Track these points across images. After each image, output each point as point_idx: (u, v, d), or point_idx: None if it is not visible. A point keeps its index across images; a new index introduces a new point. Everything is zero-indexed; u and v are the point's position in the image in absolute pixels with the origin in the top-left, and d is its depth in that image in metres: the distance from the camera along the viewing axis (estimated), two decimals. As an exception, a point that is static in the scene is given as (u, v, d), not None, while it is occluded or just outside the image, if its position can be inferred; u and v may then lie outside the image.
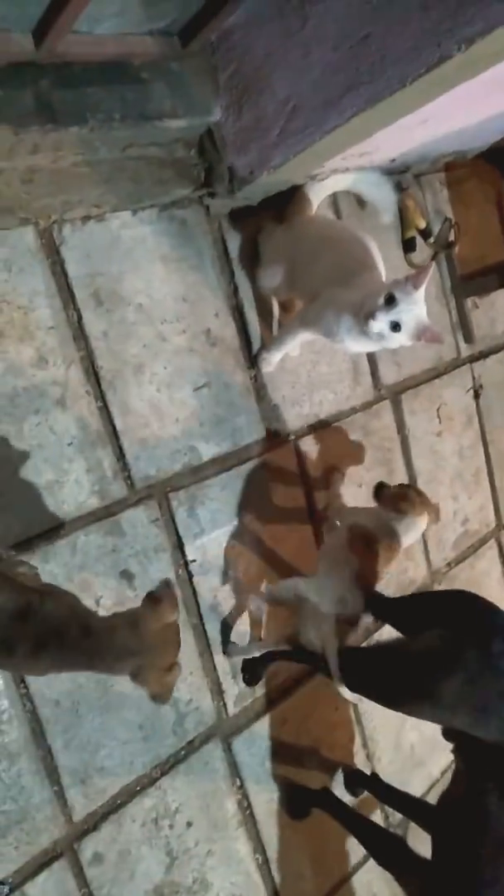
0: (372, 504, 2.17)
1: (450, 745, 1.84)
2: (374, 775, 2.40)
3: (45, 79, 1.55)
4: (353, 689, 1.91)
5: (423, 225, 2.56)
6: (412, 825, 2.19)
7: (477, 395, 2.93)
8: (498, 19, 1.21)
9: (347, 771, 2.41)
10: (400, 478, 2.64)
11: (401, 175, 2.52)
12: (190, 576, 2.04)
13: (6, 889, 1.72)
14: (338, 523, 2.25)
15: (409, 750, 2.65)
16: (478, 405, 2.95)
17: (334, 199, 2.36)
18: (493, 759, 1.63)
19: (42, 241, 1.76)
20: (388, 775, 2.49)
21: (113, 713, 1.88)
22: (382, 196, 2.32)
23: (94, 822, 1.86)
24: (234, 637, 2.12)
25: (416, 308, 1.69)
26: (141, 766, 1.94)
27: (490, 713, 1.60)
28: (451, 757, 1.87)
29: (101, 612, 1.81)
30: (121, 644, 1.29)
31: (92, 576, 1.84)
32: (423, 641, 1.75)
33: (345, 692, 1.93)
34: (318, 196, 2.16)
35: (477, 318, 2.92)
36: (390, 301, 1.66)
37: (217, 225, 2.08)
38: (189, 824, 2.03)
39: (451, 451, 2.84)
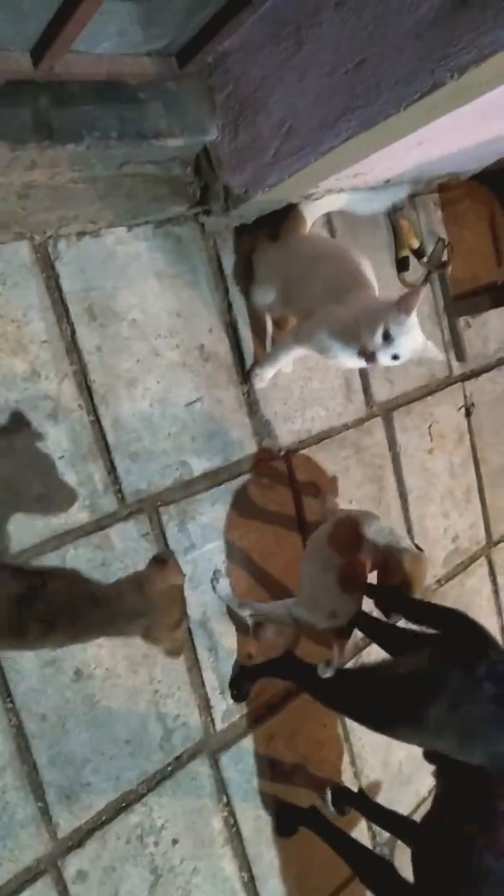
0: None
1: None
2: (361, 792, 2.39)
3: (42, 97, 1.56)
4: (337, 711, 1.91)
5: (416, 244, 2.59)
6: (399, 843, 2.18)
7: (468, 414, 2.95)
8: (491, 49, 1.23)
9: (334, 788, 2.40)
10: (391, 494, 2.65)
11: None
12: (179, 591, 2.03)
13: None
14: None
15: (398, 768, 2.64)
16: (469, 423, 2.96)
17: (328, 218, 2.38)
18: (475, 784, 1.61)
19: (37, 256, 1.77)
20: (375, 794, 2.49)
21: (100, 728, 1.87)
22: (377, 202, 2.34)
23: (79, 839, 1.85)
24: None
25: (412, 334, 1.72)
26: (127, 782, 1.93)
27: (474, 738, 1.58)
28: (438, 776, 1.87)
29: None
30: (129, 607, 1.35)
31: (81, 590, 1.84)
32: (409, 663, 1.73)
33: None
34: (312, 214, 2.18)
35: (469, 337, 2.94)
36: (387, 337, 1.71)
37: (212, 242, 2.10)
38: (175, 842, 2.02)
39: (442, 468, 2.86)
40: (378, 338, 1.72)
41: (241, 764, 2.18)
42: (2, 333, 1.72)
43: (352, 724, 2.47)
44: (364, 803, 2.40)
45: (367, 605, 1.99)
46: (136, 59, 1.65)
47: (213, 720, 2.12)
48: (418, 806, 2.71)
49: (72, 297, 1.83)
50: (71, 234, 1.83)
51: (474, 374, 2.99)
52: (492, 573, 3.11)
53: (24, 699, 1.75)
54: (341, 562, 1.91)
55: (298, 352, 2.06)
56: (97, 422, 1.88)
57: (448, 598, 2.88)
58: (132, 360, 1.94)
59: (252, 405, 2.22)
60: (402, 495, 2.71)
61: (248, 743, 2.20)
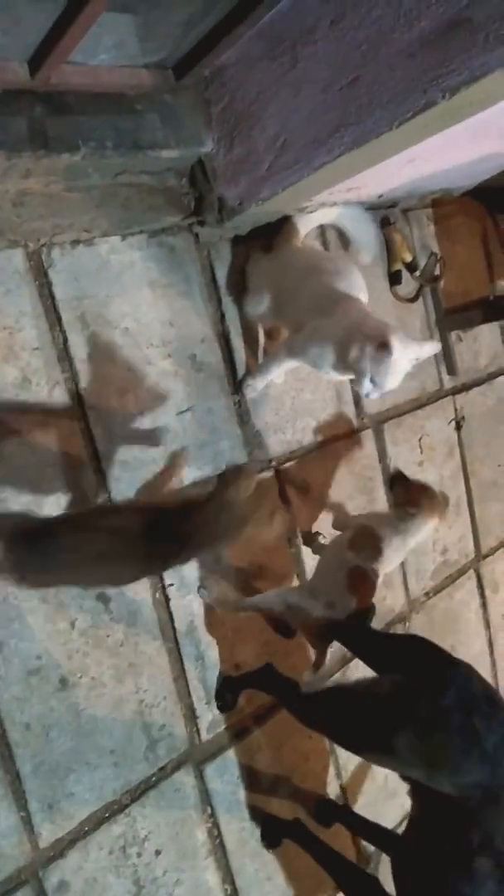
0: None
1: None
2: (346, 806, 2.38)
3: (39, 106, 1.58)
4: (314, 730, 1.91)
5: (409, 259, 2.61)
6: (384, 857, 2.17)
7: (459, 427, 2.96)
8: (482, 71, 1.25)
9: (319, 801, 2.39)
10: (381, 506, 2.66)
11: (388, 210, 2.57)
12: (167, 600, 2.03)
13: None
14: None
15: (383, 781, 2.63)
16: (459, 436, 2.98)
17: (322, 231, 2.40)
18: (447, 812, 1.57)
19: (31, 264, 1.78)
20: (362, 806, 2.48)
21: (84, 737, 1.86)
22: (365, 234, 2.36)
23: (61, 849, 1.83)
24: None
25: (396, 368, 1.75)
26: (111, 792, 1.92)
27: (442, 769, 1.56)
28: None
29: (76, 636, 1.82)
30: (225, 527, 1.52)
31: (68, 597, 1.83)
32: (380, 690, 1.73)
33: None
34: (305, 227, 2.19)
35: (460, 351, 2.96)
36: (374, 381, 1.78)
37: (206, 252, 2.11)
38: (158, 853, 2.01)
39: (432, 481, 2.85)
40: (364, 388, 1.80)
41: (226, 775, 2.17)
42: (-7, 340, 1.72)
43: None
44: (348, 816, 2.39)
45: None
46: (133, 71, 1.67)
47: (198, 730, 2.11)
48: (403, 819, 2.70)
49: (64, 305, 1.83)
50: (65, 243, 1.83)
51: (465, 387, 3.01)
52: (480, 586, 3.12)
53: (8, 707, 1.74)
54: (355, 564, 2.00)
55: (290, 364, 2.07)
56: (87, 429, 1.88)
57: (437, 610, 2.89)
58: (124, 369, 1.94)
59: (243, 415, 2.23)
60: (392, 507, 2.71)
61: (233, 754, 2.19)
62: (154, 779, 2.01)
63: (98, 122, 1.66)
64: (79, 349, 1.86)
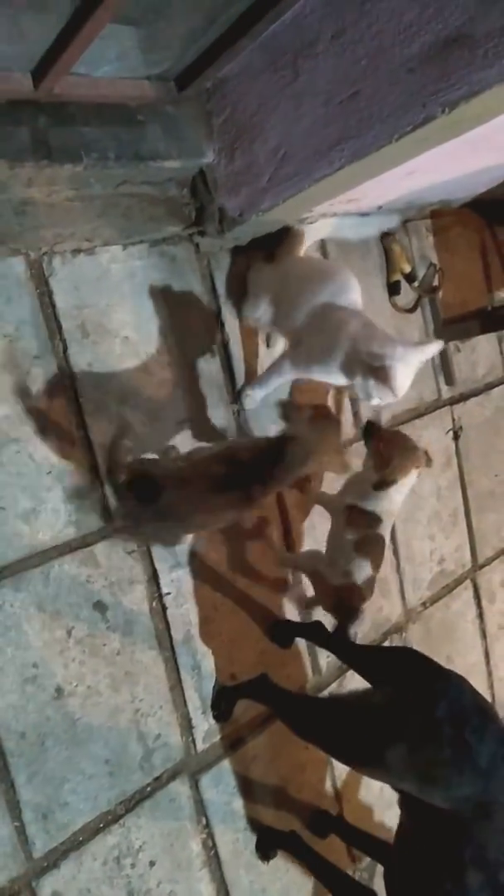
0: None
1: None
2: (341, 817, 2.37)
3: (42, 117, 1.59)
4: (307, 740, 1.91)
5: (408, 269, 2.62)
6: (380, 868, 2.16)
7: (456, 437, 2.97)
8: (481, 86, 1.26)
9: (314, 812, 2.38)
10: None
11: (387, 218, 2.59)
12: (164, 608, 2.03)
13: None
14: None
15: (379, 792, 2.62)
16: (457, 446, 2.99)
17: (322, 242, 2.41)
18: (437, 822, 1.56)
19: (32, 272, 1.78)
20: (357, 817, 2.47)
21: (80, 747, 1.86)
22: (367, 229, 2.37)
23: (55, 860, 1.82)
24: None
25: (400, 384, 1.78)
26: (105, 802, 1.91)
27: (434, 783, 1.54)
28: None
29: (72, 644, 1.82)
30: (298, 457, 1.74)
31: (65, 606, 1.83)
32: (372, 702, 1.72)
33: None
34: (310, 237, 2.20)
35: (458, 362, 2.97)
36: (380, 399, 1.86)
37: (206, 262, 2.12)
38: (152, 864, 2.00)
39: (429, 491, 2.87)
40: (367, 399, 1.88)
41: (221, 785, 2.16)
42: (-7, 348, 1.73)
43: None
44: (344, 828, 2.38)
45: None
46: (135, 83, 1.68)
47: (194, 740, 2.10)
48: (399, 831, 2.69)
49: (65, 314, 1.84)
50: (66, 252, 1.84)
51: (463, 397, 3.02)
52: (477, 596, 3.12)
53: (4, 716, 1.73)
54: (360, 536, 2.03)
55: (291, 376, 2.08)
56: (86, 438, 1.88)
57: (433, 620, 2.89)
58: (124, 378, 1.95)
59: (242, 425, 2.23)
60: (389, 517, 2.71)
61: (229, 764, 2.18)
62: (149, 789, 2.00)
63: (100, 133, 1.67)
64: (79, 358, 1.86)
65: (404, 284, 2.65)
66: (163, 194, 1.95)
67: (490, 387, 3.16)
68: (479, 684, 3.11)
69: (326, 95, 1.53)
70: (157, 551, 2.01)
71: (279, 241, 2.16)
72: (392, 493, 2.02)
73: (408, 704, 1.63)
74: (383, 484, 1.98)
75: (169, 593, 2.03)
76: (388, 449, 2.02)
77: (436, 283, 2.71)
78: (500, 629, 3.24)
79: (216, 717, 2.14)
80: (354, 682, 2.35)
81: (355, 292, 1.98)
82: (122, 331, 1.94)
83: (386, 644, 2.69)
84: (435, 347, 1.86)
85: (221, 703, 2.14)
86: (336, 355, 1.85)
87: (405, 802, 1.68)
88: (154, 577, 2.01)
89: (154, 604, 2.01)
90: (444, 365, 2.91)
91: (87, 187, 1.77)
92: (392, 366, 1.74)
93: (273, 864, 2.25)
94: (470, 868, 1.49)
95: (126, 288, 1.95)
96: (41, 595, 1.79)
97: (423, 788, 1.55)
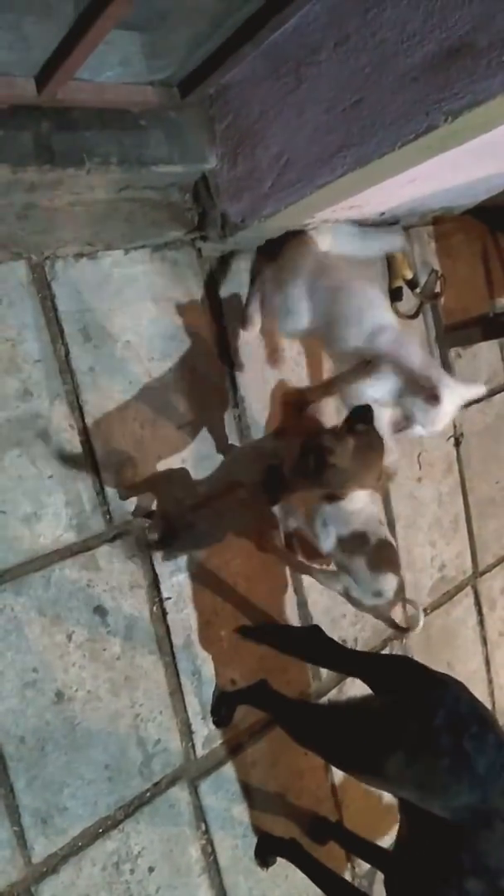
0: None
1: None
2: (340, 823, 2.36)
3: (45, 121, 1.59)
4: (306, 747, 1.90)
5: (410, 275, 2.62)
6: (379, 875, 2.15)
7: (458, 443, 2.97)
8: (484, 95, 1.26)
9: (313, 818, 2.38)
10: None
11: (390, 227, 2.58)
12: (164, 613, 2.03)
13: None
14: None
15: (378, 798, 2.62)
16: (458, 453, 2.98)
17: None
18: (436, 830, 1.55)
19: (34, 276, 1.79)
20: (357, 824, 2.46)
21: (79, 752, 1.85)
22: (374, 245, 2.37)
23: (54, 865, 1.82)
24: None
25: (445, 415, 1.84)
26: (105, 808, 1.91)
27: (433, 792, 1.53)
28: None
29: (73, 649, 1.82)
30: (340, 478, 1.68)
31: (65, 610, 1.83)
32: (370, 711, 1.71)
33: None
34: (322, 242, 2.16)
35: (460, 368, 2.97)
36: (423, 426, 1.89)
37: (208, 267, 2.12)
38: (151, 869, 1.99)
39: (430, 497, 2.87)
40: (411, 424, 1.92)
41: (220, 791, 2.15)
42: (-5, 352, 1.73)
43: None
44: (343, 834, 2.37)
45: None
46: (138, 88, 1.68)
47: (193, 746, 2.10)
48: (399, 838, 2.68)
49: (67, 318, 1.84)
50: (68, 256, 1.84)
51: (465, 404, 3.01)
52: (477, 603, 3.12)
53: (3, 721, 1.73)
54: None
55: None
56: (88, 442, 1.88)
57: (433, 627, 2.88)
58: (125, 382, 1.95)
59: (243, 429, 2.23)
60: (390, 523, 2.71)
61: (228, 770, 2.18)
62: (148, 794, 1.99)
63: (103, 138, 1.67)
64: (81, 362, 1.86)
65: (406, 291, 2.65)
66: (165, 199, 1.95)
67: (492, 393, 3.15)
68: (480, 691, 3.11)
69: (329, 103, 1.53)
70: (158, 556, 2.01)
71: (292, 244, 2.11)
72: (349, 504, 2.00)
73: (406, 712, 1.62)
74: (333, 498, 1.97)
75: (170, 598, 2.03)
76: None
77: (437, 289, 2.71)
78: (500, 636, 3.23)
79: (216, 723, 2.14)
80: (354, 688, 2.34)
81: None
82: (123, 335, 1.94)
83: (385, 651, 2.68)
84: (480, 390, 1.95)
85: (221, 709, 2.13)
86: (388, 384, 1.88)
87: (404, 809, 1.67)
88: (155, 582, 2.00)
89: (155, 608, 2.01)
90: (445, 371, 2.91)
91: (90, 192, 1.77)
92: (443, 392, 1.79)
93: (272, 871, 2.24)
94: (470, 876, 1.48)
95: (128, 292, 1.95)
96: (42, 599, 1.79)
97: (422, 796, 1.54)
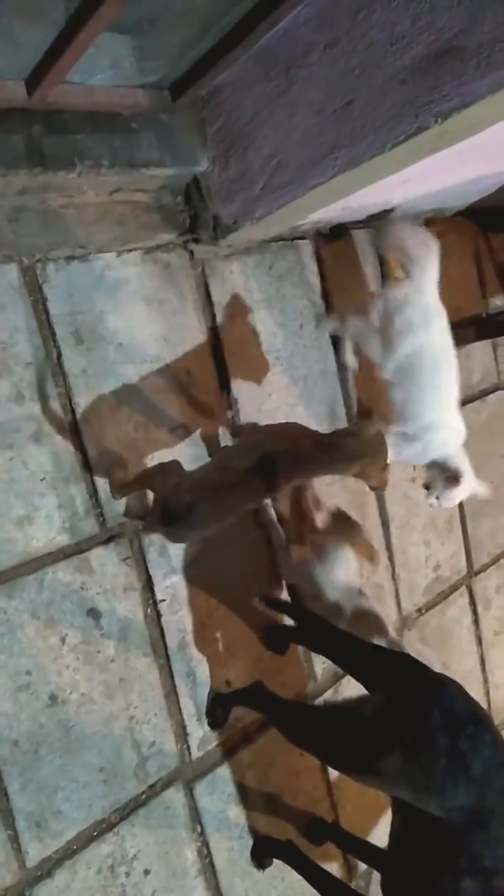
0: None
1: None
2: (337, 824, 2.36)
3: (36, 124, 1.59)
4: (301, 747, 1.91)
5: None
6: (376, 875, 2.15)
7: (451, 443, 2.97)
8: (473, 97, 1.27)
9: (310, 819, 2.38)
10: (373, 522, 2.67)
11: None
12: (158, 615, 2.02)
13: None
14: None
15: (374, 798, 2.62)
16: (452, 452, 2.98)
17: (316, 247, 2.42)
18: (432, 829, 1.55)
19: (25, 279, 1.79)
20: (353, 824, 2.46)
21: (74, 755, 1.85)
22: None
23: (49, 868, 1.81)
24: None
25: (458, 496, 2.39)
26: (100, 811, 1.90)
27: (429, 792, 1.53)
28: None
29: (66, 651, 1.82)
30: (349, 451, 1.76)
31: (59, 613, 1.83)
32: (366, 711, 1.71)
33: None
34: None
35: (453, 368, 2.97)
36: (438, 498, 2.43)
37: (200, 269, 2.12)
38: (146, 872, 1.99)
39: (424, 497, 2.87)
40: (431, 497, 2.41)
41: (216, 793, 2.15)
42: (-13, 355, 1.73)
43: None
44: (339, 834, 2.37)
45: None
46: (129, 91, 1.69)
47: (189, 748, 2.10)
48: (395, 838, 2.68)
49: (59, 321, 1.84)
50: (60, 259, 1.84)
51: (459, 404, 3.02)
52: (472, 603, 3.12)
53: (-3, 724, 1.73)
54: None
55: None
56: (80, 445, 1.88)
57: (429, 627, 2.89)
58: (118, 384, 1.95)
59: (237, 431, 2.23)
60: (385, 523, 2.72)
61: (223, 771, 2.18)
62: (144, 797, 1.99)
63: (94, 141, 1.67)
64: (73, 364, 1.86)
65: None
66: (157, 202, 1.95)
67: (485, 393, 3.16)
68: (476, 691, 3.11)
69: (320, 105, 1.53)
70: (152, 558, 2.01)
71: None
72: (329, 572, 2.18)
73: (402, 713, 1.62)
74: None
75: (164, 600, 2.03)
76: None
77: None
78: (495, 635, 3.24)
79: (211, 725, 2.14)
80: (350, 688, 2.34)
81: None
82: (116, 337, 1.94)
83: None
84: (485, 491, 2.42)
85: (216, 711, 2.13)
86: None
87: (399, 809, 1.67)
88: (149, 584, 2.00)
89: (149, 611, 2.01)
90: (438, 371, 2.91)
91: (81, 195, 1.78)
92: (463, 479, 2.31)
93: (269, 872, 2.24)
94: (465, 875, 1.48)
95: (120, 295, 1.95)
96: (35, 602, 1.79)
97: (418, 796, 1.55)
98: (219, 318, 2.17)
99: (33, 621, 1.78)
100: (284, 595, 2.36)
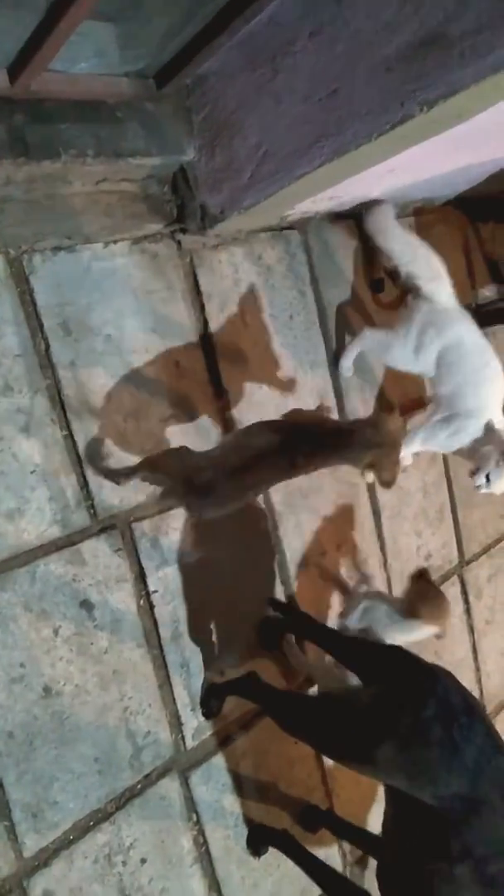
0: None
1: None
2: (331, 811, 2.38)
3: (18, 113, 1.58)
4: (297, 738, 1.92)
5: (391, 266, 2.63)
6: (371, 862, 2.17)
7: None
8: (458, 85, 1.27)
9: (304, 807, 2.40)
10: (364, 512, 2.67)
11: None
12: (151, 606, 2.03)
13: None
14: None
15: (369, 786, 2.64)
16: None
17: (305, 241, 2.41)
18: (425, 817, 1.56)
19: (12, 270, 1.78)
20: (347, 811, 2.48)
21: (69, 746, 1.86)
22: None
23: (46, 859, 1.82)
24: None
25: None
26: (95, 801, 1.91)
27: (423, 781, 1.55)
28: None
29: (60, 643, 1.82)
30: (367, 439, 1.75)
31: (51, 605, 1.83)
32: (360, 701, 1.73)
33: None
34: None
35: (443, 357, 2.98)
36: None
37: (188, 259, 2.12)
38: (143, 861, 2.00)
39: (415, 487, 2.89)
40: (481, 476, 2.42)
41: (211, 782, 2.16)
42: (-25, 347, 1.72)
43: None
44: (334, 822, 2.39)
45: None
46: (113, 80, 1.68)
47: (183, 737, 2.11)
48: (389, 824, 2.70)
49: (46, 312, 1.83)
50: (46, 250, 1.83)
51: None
52: (464, 592, 3.14)
53: (-9, 716, 1.73)
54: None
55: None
56: (70, 436, 1.87)
57: (420, 615, 2.90)
58: (106, 376, 1.94)
59: (226, 422, 2.23)
60: (376, 513, 2.73)
61: (218, 761, 2.19)
62: (139, 786, 2.00)
63: (79, 130, 1.66)
64: (61, 356, 1.86)
65: (388, 281, 2.66)
66: (143, 192, 1.94)
67: (475, 382, 3.17)
68: (468, 679, 3.14)
69: (305, 93, 1.53)
70: (144, 549, 2.01)
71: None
72: (403, 631, 2.25)
73: (396, 702, 1.63)
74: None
75: (156, 591, 2.03)
76: (423, 598, 2.30)
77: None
78: (487, 624, 3.27)
79: (205, 715, 2.15)
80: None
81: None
82: (104, 328, 1.94)
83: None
84: None
85: (210, 701, 2.14)
86: (473, 434, 2.39)
87: (392, 797, 1.69)
88: (141, 575, 2.01)
89: (141, 602, 2.01)
90: (428, 360, 2.92)
91: (67, 185, 1.77)
92: None
93: (265, 860, 2.26)
94: (458, 862, 1.50)
95: (108, 286, 1.94)
96: (27, 594, 1.79)
97: (412, 785, 1.56)
98: (208, 309, 2.17)
99: (26, 614, 1.78)
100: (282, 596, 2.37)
